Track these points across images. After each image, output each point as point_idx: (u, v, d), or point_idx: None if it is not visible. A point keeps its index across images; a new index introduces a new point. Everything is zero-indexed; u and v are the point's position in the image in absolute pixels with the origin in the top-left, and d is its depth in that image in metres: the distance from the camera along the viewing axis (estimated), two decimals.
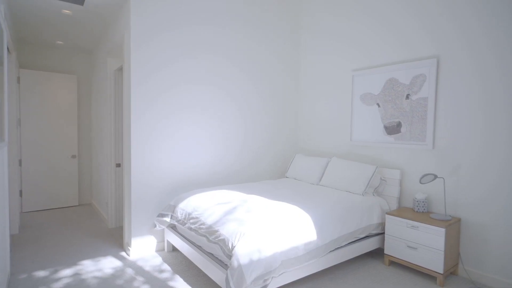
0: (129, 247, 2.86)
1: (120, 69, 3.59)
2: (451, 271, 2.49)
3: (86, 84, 4.88)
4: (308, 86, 3.99)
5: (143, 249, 2.90)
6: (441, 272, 2.35)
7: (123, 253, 2.91)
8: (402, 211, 2.75)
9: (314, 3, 3.88)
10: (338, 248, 2.46)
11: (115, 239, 3.29)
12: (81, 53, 4.82)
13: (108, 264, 2.68)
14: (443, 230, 2.33)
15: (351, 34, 3.44)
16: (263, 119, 3.75)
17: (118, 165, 3.64)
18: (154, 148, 2.91)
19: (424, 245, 2.44)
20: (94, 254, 2.90)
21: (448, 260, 2.40)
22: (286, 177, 3.73)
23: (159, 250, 2.99)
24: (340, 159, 3.30)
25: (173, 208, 2.75)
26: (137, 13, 2.76)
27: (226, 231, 2.01)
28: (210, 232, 2.14)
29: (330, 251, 2.39)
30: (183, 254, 2.89)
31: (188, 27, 3.06)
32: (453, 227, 2.44)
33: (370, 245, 2.74)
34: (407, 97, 2.90)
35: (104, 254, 2.90)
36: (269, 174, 3.86)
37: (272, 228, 2.05)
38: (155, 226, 2.91)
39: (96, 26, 3.60)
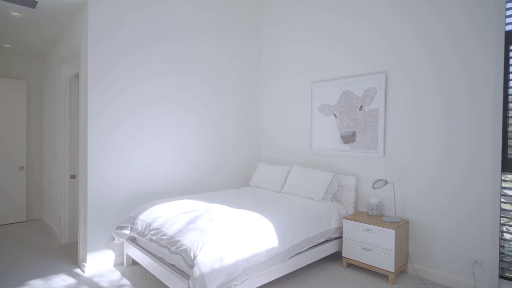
0: (84, 263, 2.71)
1: (76, 76, 3.44)
2: (401, 270, 2.68)
3: (37, 91, 4.59)
4: (271, 97, 4.12)
5: (100, 264, 2.76)
6: (392, 271, 2.52)
7: (78, 270, 2.75)
8: (357, 215, 2.92)
9: (275, 18, 4.04)
10: (299, 253, 2.54)
11: (68, 256, 3.09)
12: (32, 58, 4.54)
13: (60, 283, 2.51)
14: (393, 231, 2.51)
15: (310, 49, 3.63)
16: (227, 129, 3.79)
17: (73, 176, 3.45)
18: (113, 158, 2.81)
19: (377, 246, 2.61)
20: (44, 272, 2.70)
21: (398, 260, 2.59)
22: (250, 185, 3.78)
23: (118, 265, 2.87)
24: (301, 167, 3.43)
25: (133, 220, 2.66)
26: (95, 19, 2.69)
27: (188, 240, 2.00)
28: (172, 243, 2.11)
29: (292, 256, 2.46)
30: (143, 267, 2.80)
31: (148, 36, 3.04)
32: (402, 229, 2.64)
33: (329, 249, 2.86)
34: (361, 108, 3.12)
35: (56, 272, 2.72)
36: (232, 183, 3.88)
37: (234, 236, 2.08)
38: (114, 239, 2.79)
39: (49, 30, 3.43)
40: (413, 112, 2.77)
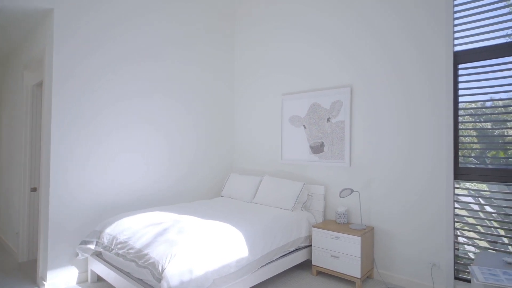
0: (44, 282, 2.55)
1: (40, 84, 3.30)
2: (367, 275, 2.79)
3: None
4: (243, 108, 4.18)
5: (62, 282, 2.61)
6: (359, 276, 2.62)
7: None
8: (326, 224, 3.01)
9: (247, 32, 4.15)
10: (269, 262, 2.57)
11: (26, 274, 2.90)
12: None
13: None
14: (359, 238, 2.62)
15: (280, 62, 3.75)
16: (198, 140, 3.78)
17: (34, 189, 3.27)
18: (78, 169, 2.71)
19: (344, 253, 2.70)
20: None
21: (364, 266, 2.69)
22: (221, 196, 3.78)
23: (82, 282, 2.73)
24: (272, 177, 3.49)
25: (98, 234, 2.56)
26: (62, 26, 2.63)
27: (156, 253, 1.97)
28: (139, 256, 2.06)
29: (262, 266, 2.48)
30: (109, 283, 2.69)
31: (116, 49, 3.01)
32: (367, 235, 2.76)
33: (299, 257, 2.92)
34: (328, 120, 3.26)
35: None
36: (204, 193, 3.86)
37: (204, 247, 2.07)
38: (78, 255, 2.66)
39: (10, 35, 3.28)
40: (376, 124, 2.94)
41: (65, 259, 2.65)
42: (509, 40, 2.40)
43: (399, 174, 2.79)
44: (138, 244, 2.16)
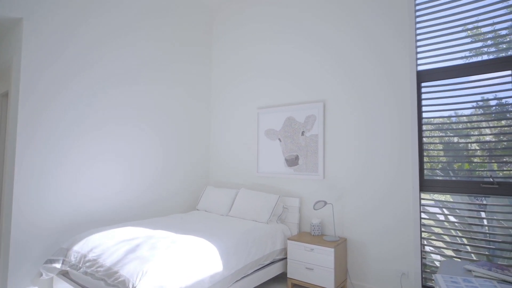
0: None
1: (5, 94, 3.16)
2: (341, 286, 2.83)
3: None
4: (219, 122, 4.20)
5: None
6: None
7: None
8: (301, 236, 3.05)
9: (223, 47, 4.21)
10: (244, 277, 2.55)
11: None
12: None
13: None
14: (332, 250, 2.67)
15: (257, 77, 3.83)
16: (174, 153, 3.74)
17: None
18: (44, 184, 2.60)
19: (318, 265, 2.74)
20: None
21: (338, 277, 2.74)
22: (197, 209, 3.73)
23: None
24: (248, 190, 3.50)
25: (65, 252, 2.45)
26: (31, 36, 2.56)
27: (126, 271, 1.91)
28: (109, 274, 1.99)
29: (237, 281, 2.46)
30: None
31: (81, 53, 2.96)
32: (341, 247, 2.82)
33: (274, 270, 2.92)
34: (303, 133, 3.34)
35: None
36: (179, 207, 3.80)
37: (177, 263, 2.03)
38: (42, 275, 2.52)
39: None
40: (347, 138, 3.05)
41: (28, 279, 2.50)
42: (466, 61, 2.60)
43: (369, 186, 2.89)
44: (108, 261, 2.09)
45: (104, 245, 2.29)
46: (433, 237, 2.65)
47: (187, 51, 3.96)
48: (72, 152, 2.78)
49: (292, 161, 3.40)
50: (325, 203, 2.92)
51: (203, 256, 2.21)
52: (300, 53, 3.44)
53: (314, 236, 3.03)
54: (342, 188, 3.05)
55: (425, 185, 2.65)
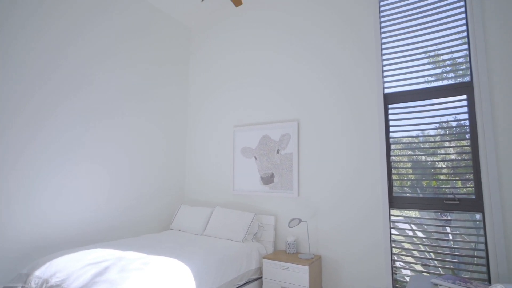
0: None
1: None
2: None
3: None
4: (195, 140, 4.18)
5: None
6: None
7: None
8: (276, 254, 3.04)
9: (201, 65, 4.26)
10: None
11: None
12: None
13: None
14: (306, 268, 2.68)
15: (233, 96, 3.89)
16: (147, 171, 3.66)
17: None
18: (1, 203, 2.44)
19: (294, 283, 2.73)
20: None
21: None
22: (171, 229, 3.64)
23: None
24: (223, 208, 3.47)
25: (25, 278, 2.28)
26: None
27: None
28: None
29: None
30: None
31: (60, 72, 2.89)
32: (315, 264, 2.84)
33: None
34: (278, 152, 3.40)
35: None
36: (152, 227, 3.68)
37: (149, 286, 1.96)
38: None
39: None
40: (320, 156, 3.14)
41: None
42: (429, 85, 2.80)
43: (341, 203, 2.97)
44: (73, 286, 1.97)
45: (69, 268, 2.16)
46: (403, 253, 2.73)
47: (163, 70, 3.97)
48: (38, 169, 2.66)
49: (268, 179, 3.43)
50: (300, 220, 2.95)
51: (175, 277, 2.14)
52: (276, 74, 3.55)
53: (289, 254, 3.03)
54: (317, 206, 3.11)
55: (394, 202, 2.76)
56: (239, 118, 3.80)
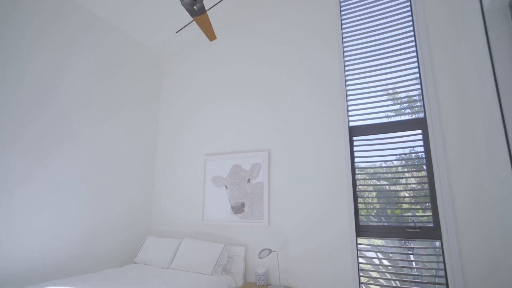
0: None
1: None
2: None
3: None
4: (165, 168, 4.11)
5: None
6: None
7: None
8: (246, 287, 2.96)
9: (172, 94, 4.30)
10: None
11: None
12: None
13: None
14: None
15: (205, 125, 3.93)
16: (112, 202, 3.51)
17: None
18: None
19: None
20: None
21: None
22: (135, 262, 3.44)
23: None
24: (192, 239, 3.37)
25: None
26: None
27: None
28: None
29: None
30: None
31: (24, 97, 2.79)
32: None
33: None
34: (248, 181, 3.42)
35: None
36: (115, 260, 3.46)
37: None
38: None
39: None
40: (290, 186, 3.21)
41: None
42: (389, 120, 3.02)
43: (311, 232, 3.00)
44: None
45: None
46: (371, 282, 2.78)
47: (134, 98, 3.95)
48: None
49: (238, 208, 3.41)
50: (270, 251, 2.93)
51: None
52: (248, 104, 3.66)
53: (259, 286, 2.97)
54: (287, 235, 3.12)
55: (361, 231, 2.84)
56: (211, 147, 3.81)
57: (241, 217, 3.38)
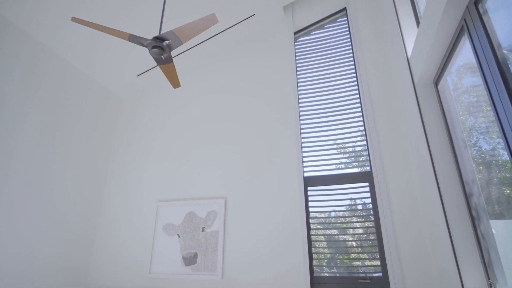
0: None
1: None
2: None
3: None
4: (111, 214, 3.80)
5: None
6: None
7: None
8: None
9: (127, 137, 4.17)
10: None
11: None
12: None
13: None
14: None
15: (160, 170, 3.81)
16: (40, 254, 3.10)
17: None
18: None
19: None
20: None
21: None
22: None
23: None
24: None
25: None
26: None
27: None
28: None
29: None
30: None
31: None
32: None
33: None
34: (203, 229, 3.30)
35: None
36: None
37: None
38: None
39: None
40: (246, 235, 3.15)
41: None
42: (338, 172, 3.23)
43: (266, 285, 2.91)
44: None
45: None
46: None
47: (86, 139, 3.75)
48: None
49: (190, 259, 3.22)
50: None
51: None
52: (204, 151, 3.68)
53: None
54: None
55: (316, 282, 2.84)
56: (165, 192, 3.67)
57: (192, 269, 3.17)
